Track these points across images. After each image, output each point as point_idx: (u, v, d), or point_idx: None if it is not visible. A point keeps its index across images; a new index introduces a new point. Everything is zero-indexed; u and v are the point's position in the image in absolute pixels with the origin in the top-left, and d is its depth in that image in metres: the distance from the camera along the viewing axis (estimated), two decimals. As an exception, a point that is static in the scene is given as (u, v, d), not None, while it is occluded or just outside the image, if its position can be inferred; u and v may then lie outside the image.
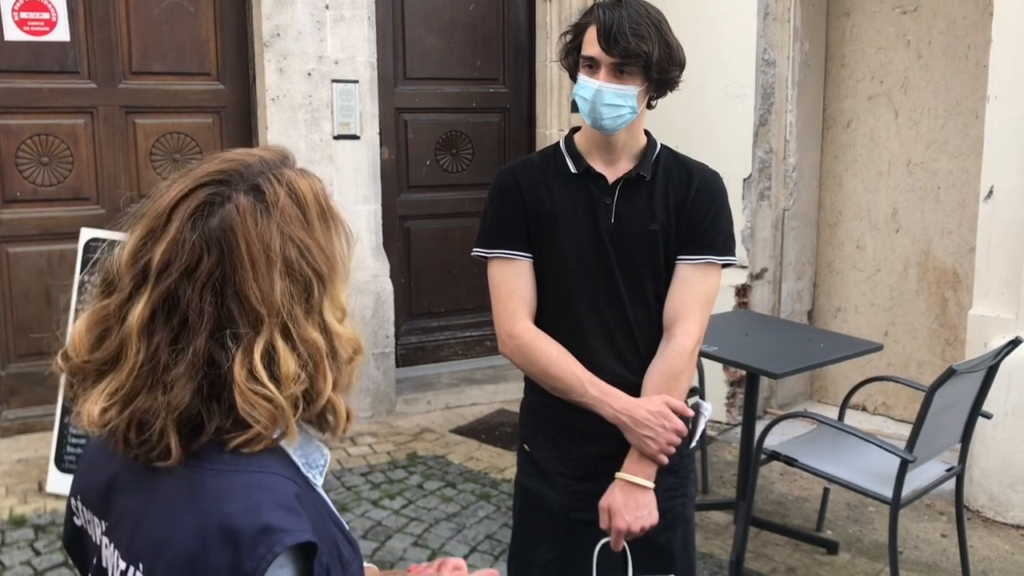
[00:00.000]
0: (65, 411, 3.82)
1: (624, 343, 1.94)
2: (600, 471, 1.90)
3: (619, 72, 1.81)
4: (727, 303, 4.72)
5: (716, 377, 4.67)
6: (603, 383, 1.88)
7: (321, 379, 0.97)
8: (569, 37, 1.89)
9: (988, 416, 3.21)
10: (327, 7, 4.57)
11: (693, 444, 2.01)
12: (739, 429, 3.82)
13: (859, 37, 4.86)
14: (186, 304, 0.94)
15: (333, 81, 4.63)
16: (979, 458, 3.78)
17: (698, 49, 4.79)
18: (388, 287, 4.86)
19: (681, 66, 1.87)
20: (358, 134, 4.72)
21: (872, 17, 4.79)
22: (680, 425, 1.86)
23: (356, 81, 4.68)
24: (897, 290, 4.81)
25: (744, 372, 3.83)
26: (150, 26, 4.45)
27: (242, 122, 4.72)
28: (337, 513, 1.06)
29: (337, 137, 4.67)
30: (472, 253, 2.01)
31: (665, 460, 1.86)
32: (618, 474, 1.87)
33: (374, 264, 4.84)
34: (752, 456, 3.20)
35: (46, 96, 4.28)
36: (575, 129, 2.00)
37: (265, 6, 4.45)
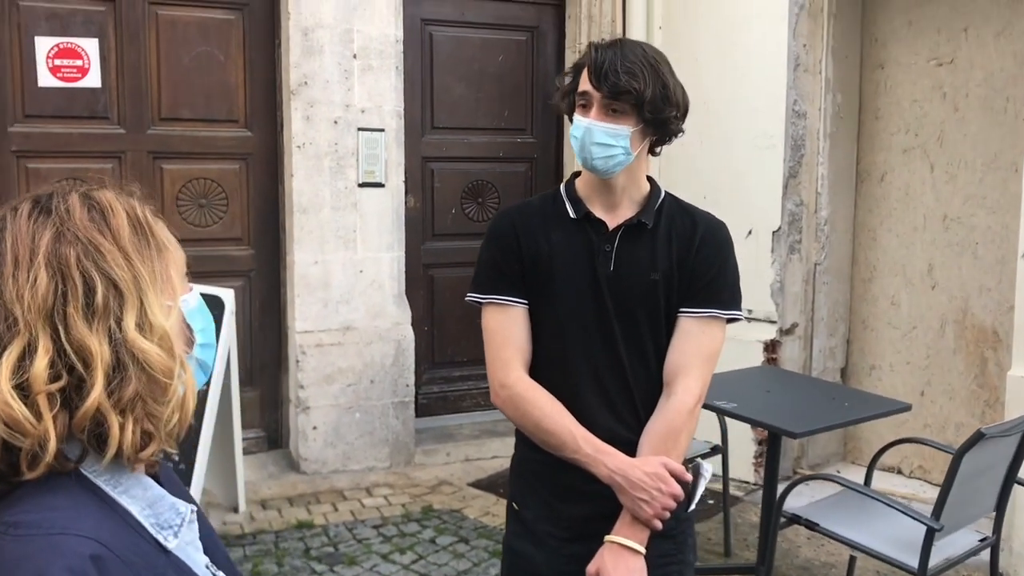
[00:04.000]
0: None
1: (619, 397, 1.84)
2: (591, 533, 1.79)
3: (611, 111, 1.75)
4: (755, 359, 4.58)
5: (742, 436, 4.52)
6: (598, 440, 1.78)
7: (89, 388, 0.89)
8: (568, 79, 1.84)
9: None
10: (355, 57, 4.60)
11: (692, 508, 1.90)
12: (764, 490, 3.67)
13: (893, 89, 4.76)
14: None
15: (359, 129, 4.64)
16: (1020, 528, 3.58)
17: (726, 100, 4.76)
18: (409, 335, 4.81)
19: (679, 107, 1.79)
20: (383, 182, 4.71)
21: (907, 69, 4.70)
22: (677, 489, 1.75)
23: (382, 130, 4.69)
24: (934, 348, 4.64)
25: (769, 430, 3.69)
26: (180, 73, 4.51)
27: (268, 169, 4.75)
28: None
29: (362, 185, 4.68)
30: (466, 299, 1.94)
31: (659, 525, 1.75)
32: (608, 537, 1.76)
33: (396, 312, 4.80)
34: (772, 519, 3.05)
35: (76, 141, 4.35)
36: (576, 174, 1.93)
37: (293, 55, 4.49)
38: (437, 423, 5.20)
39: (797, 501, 3.02)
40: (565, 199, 1.89)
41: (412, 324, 4.86)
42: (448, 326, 5.26)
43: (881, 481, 4.63)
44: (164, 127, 4.53)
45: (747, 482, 4.66)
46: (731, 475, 4.50)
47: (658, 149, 1.87)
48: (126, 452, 0.91)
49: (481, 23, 5.20)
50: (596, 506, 1.79)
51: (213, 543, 1.09)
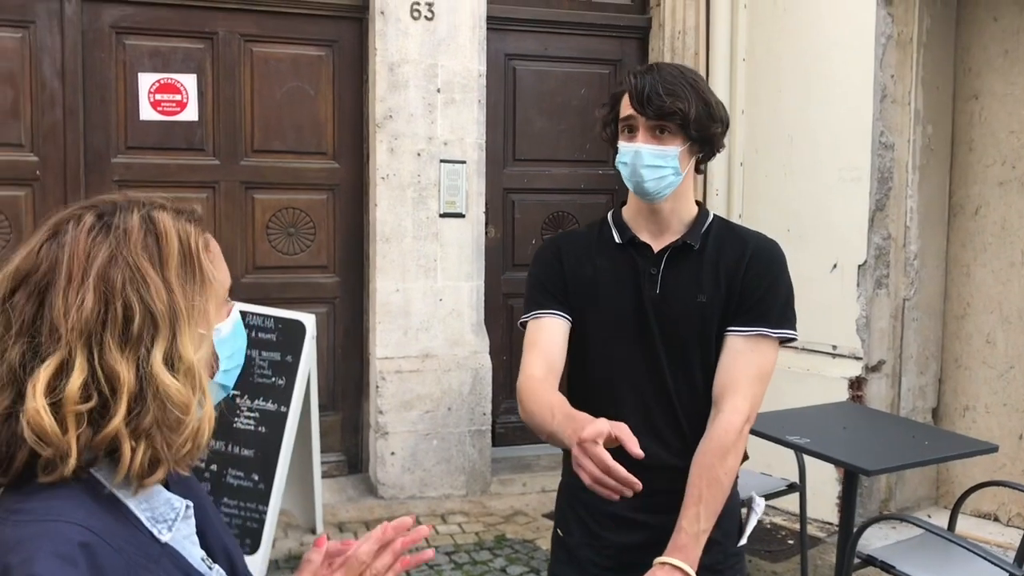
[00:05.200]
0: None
1: (663, 421, 1.82)
2: (634, 562, 1.75)
3: (658, 133, 1.76)
4: (839, 396, 4.46)
5: (826, 475, 4.38)
6: (576, 411, 1.65)
7: (113, 412, 0.94)
8: (606, 109, 1.85)
9: (1122, 533, 2.86)
10: (438, 91, 4.71)
11: (742, 542, 1.85)
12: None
13: (988, 120, 4.61)
14: (13, 310, 0.95)
15: (441, 161, 4.74)
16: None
17: (810, 132, 4.68)
18: (487, 364, 4.85)
19: (722, 123, 1.79)
20: (463, 212, 4.79)
21: (1003, 100, 4.54)
22: (599, 454, 1.47)
23: (464, 161, 4.78)
24: (1032, 390, 4.43)
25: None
26: (272, 107, 4.71)
27: (354, 199, 4.89)
28: (212, 571, 1.05)
29: (443, 215, 4.77)
30: (519, 324, 1.97)
31: (600, 490, 1.51)
32: (659, 559, 1.72)
33: (474, 340, 4.85)
34: (846, 559, 2.95)
35: (173, 171, 4.58)
36: (623, 203, 1.94)
37: (380, 89, 4.63)
38: (514, 453, 5.22)
39: (882, 543, 2.91)
40: (612, 226, 1.89)
41: (490, 353, 4.90)
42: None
43: (976, 528, 4.43)
44: (256, 159, 4.73)
45: (829, 523, 4.50)
46: (814, 515, 4.38)
47: (703, 167, 1.87)
48: (133, 474, 0.96)
49: (564, 57, 5.27)
50: (640, 535, 1.77)
51: (216, 536, 1.13)
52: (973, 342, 4.69)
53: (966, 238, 4.71)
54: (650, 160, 1.76)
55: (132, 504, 1.00)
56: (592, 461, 1.46)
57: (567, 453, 1.93)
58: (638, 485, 1.47)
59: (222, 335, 1.08)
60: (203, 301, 1.03)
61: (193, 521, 1.09)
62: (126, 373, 0.94)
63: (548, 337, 1.84)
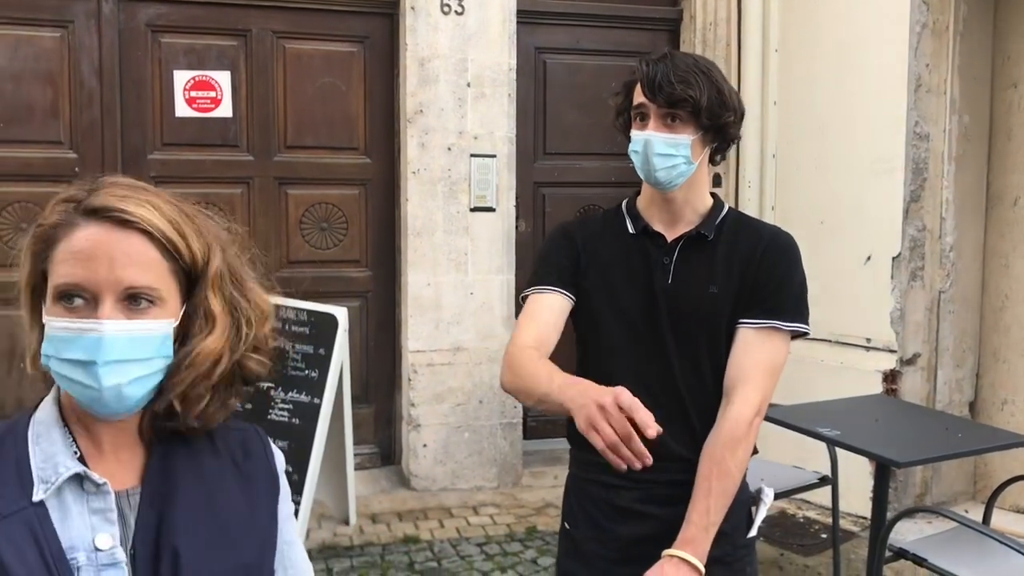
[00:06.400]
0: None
1: (671, 412, 1.78)
2: (640, 555, 1.74)
3: (669, 121, 1.75)
4: (873, 389, 4.41)
5: (860, 469, 4.34)
6: (570, 376, 1.63)
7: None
8: (620, 98, 1.84)
9: None
10: (469, 85, 4.73)
11: (752, 533, 1.84)
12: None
13: (1027, 109, 4.53)
14: None
15: (471, 155, 4.76)
16: None
17: (843, 123, 4.64)
18: (518, 358, 4.86)
19: (736, 112, 1.77)
20: (494, 206, 4.81)
21: (1042, 88, 4.46)
22: (620, 421, 1.42)
23: (494, 155, 4.79)
24: (1072, 383, 4.35)
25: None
26: (305, 103, 4.76)
27: (386, 194, 4.93)
28: (69, 554, 1.02)
29: (473, 209, 4.79)
30: (521, 298, 1.94)
31: (614, 459, 1.45)
32: (667, 551, 1.71)
33: (505, 334, 4.86)
34: (877, 551, 2.93)
35: (208, 167, 4.65)
36: (637, 192, 1.93)
37: (410, 84, 4.66)
38: (546, 446, 5.23)
39: (916, 538, 2.88)
40: (626, 214, 1.89)
41: (521, 346, 4.90)
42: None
43: (1013, 523, 4.36)
44: (289, 154, 4.78)
45: (863, 517, 4.46)
46: (847, 510, 4.34)
47: (719, 158, 1.86)
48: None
49: (594, 50, 5.26)
50: (646, 527, 1.76)
51: (171, 536, 1.08)
52: (1012, 334, 4.62)
53: (1004, 228, 4.64)
54: (661, 148, 1.75)
55: (35, 461, 1.04)
56: (614, 426, 1.42)
57: (576, 449, 1.92)
58: (650, 459, 1.43)
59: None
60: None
61: (111, 499, 1.05)
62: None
63: (545, 312, 1.83)
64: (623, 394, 1.43)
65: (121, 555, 1.04)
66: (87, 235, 1.04)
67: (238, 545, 1.12)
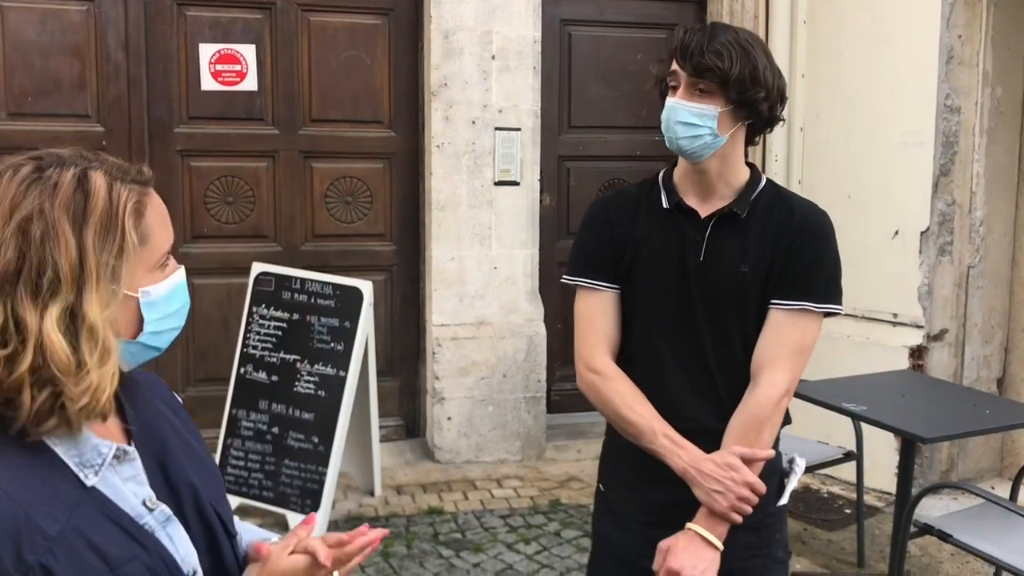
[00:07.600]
0: (228, 432, 4.07)
1: (704, 387, 1.83)
2: (673, 520, 1.78)
3: (697, 91, 1.74)
4: (899, 365, 4.38)
5: (885, 444, 4.32)
6: (675, 434, 1.78)
7: (16, 359, 0.98)
8: (662, 66, 1.84)
9: None
10: (493, 58, 4.71)
11: (783, 501, 1.85)
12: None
13: (1061, 81, 4.45)
14: None
15: (496, 129, 4.74)
16: None
17: (872, 96, 4.58)
18: (541, 331, 4.87)
19: (768, 90, 1.74)
20: (518, 180, 4.80)
21: (1077, 59, 4.38)
22: (753, 478, 1.72)
23: (518, 129, 4.77)
24: (1102, 360, 4.30)
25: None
26: (329, 77, 4.75)
27: (410, 168, 4.93)
28: (140, 520, 1.08)
29: (498, 183, 4.78)
30: (561, 280, 1.98)
31: (737, 518, 1.72)
32: (689, 524, 1.75)
33: (528, 308, 4.87)
34: (902, 527, 2.93)
35: (234, 141, 4.66)
36: (675, 163, 1.93)
37: (434, 57, 4.65)
38: (569, 420, 5.24)
39: (941, 514, 2.88)
40: (661, 188, 1.88)
41: (545, 321, 4.92)
42: (553, 327, 5.30)
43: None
44: (314, 128, 4.79)
45: (889, 492, 4.45)
46: (872, 485, 4.33)
47: (756, 138, 1.84)
48: (30, 421, 1.00)
49: (620, 22, 5.21)
50: (680, 492, 1.78)
51: (182, 472, 1.17)
52: (1041, 311, 4.57)
53: (1036, 203, 4.58)
54: (684, 117, 1.74)
55: (61, 451, 1.04)
56: (748, 488, 1.72)
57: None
58: (758, 484, 1.74)
59: (151, 297, 1.10)
60: (120, 263, 1.04)
61: (138, 463, 1.11)
62: (34, 323, 0.98)
63: (603, 317, 1.87)
64: (758, 484, 1.73)
65: (167, 508, 1.12)
66: (158, 200, 1.13)
67: (213, 470, 1.26)
